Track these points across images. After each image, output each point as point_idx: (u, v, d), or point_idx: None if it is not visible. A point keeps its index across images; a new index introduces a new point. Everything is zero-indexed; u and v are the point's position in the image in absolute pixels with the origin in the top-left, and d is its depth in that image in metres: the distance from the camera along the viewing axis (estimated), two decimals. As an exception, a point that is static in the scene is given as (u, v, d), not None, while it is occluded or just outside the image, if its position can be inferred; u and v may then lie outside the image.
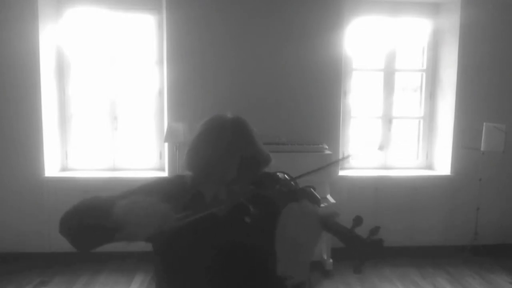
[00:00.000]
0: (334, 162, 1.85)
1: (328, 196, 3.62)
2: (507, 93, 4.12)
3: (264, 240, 1.03)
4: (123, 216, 0.98)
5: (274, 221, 1.02)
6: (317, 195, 1.08)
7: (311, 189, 1.08)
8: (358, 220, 0.96)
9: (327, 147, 3.77)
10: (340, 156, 4.13)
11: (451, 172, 4.12)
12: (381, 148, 1.08)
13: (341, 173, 4.09)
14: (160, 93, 4.05)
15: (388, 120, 4.32)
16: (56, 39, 3.93)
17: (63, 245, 3.82)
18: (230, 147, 1.16)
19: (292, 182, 1.10)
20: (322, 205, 1.06)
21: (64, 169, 4.09)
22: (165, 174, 4.00)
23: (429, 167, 4.38)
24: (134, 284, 3.48)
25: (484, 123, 3.82)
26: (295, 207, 1.00)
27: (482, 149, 3.83)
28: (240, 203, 1.09)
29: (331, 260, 3.67)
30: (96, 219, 1.04)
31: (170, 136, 3.67)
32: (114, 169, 4.11)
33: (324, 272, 3.65)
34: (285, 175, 1.15)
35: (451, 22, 4.08)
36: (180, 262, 1.20)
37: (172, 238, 1.15)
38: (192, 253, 1.18)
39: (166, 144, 3.94)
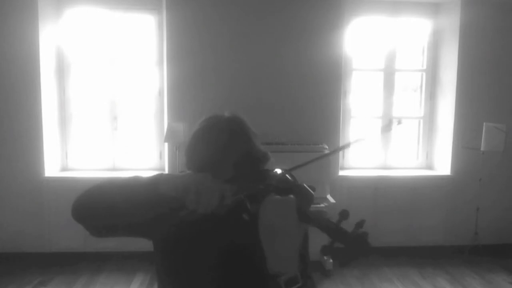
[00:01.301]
0: (331, 152, 1.80)
1: (328, 196, 3.62)
2: (507, 93, 4.12)
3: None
4: (181, 190, 0.96)
5: None
6: (311, 191, 1.07)
7: (305, 185, 1.08)
8: (344, 214, 0.95)
9: (327, 147, 3.77)
10: (340, 156, 4.14)
11: (451, 172, 4.12)
12: (384, 129, 1.05)
13: (341, 173, 4.09)
14: (160, 93, 4.05)
15: (388, 120, 4.32)
16: (56, 39, 3.93)
17: (63, 245, 3.83)
18: (225, 146, 1.16)
19: (290, 178, 1.10)
20: (313, 202, 1.06)
21: (64, 169, 4.09)
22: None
23: (429, 167, 4.38)
24: (134, 284, 3.48)
25: (484, 123, 3.82)
26: (271, 200, 1.00)
27: (482, 149, 3.83)
28: (238, 201, 1.09)
29: (331, 260, 3.67)
30: (123, 207, 1.02)
31: (170, 136, 3.67)
32: (114, 169, 4.11)
33: (324, 272, 3.65)
34: (283, 171, 1.15)
35: (451, 22, 4.08)
36: (181, 262, 1.21)
37: (172, 237, 1.15)
38: (193, 252, 1.19)
39: (166, 144, 3.94)
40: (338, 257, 0.93)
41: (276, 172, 1.14)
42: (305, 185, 1.07)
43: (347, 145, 1.19)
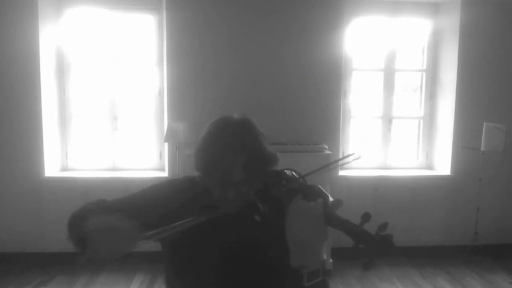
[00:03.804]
0: (341, 158, 1.83)
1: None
2: (507, 93, 4.12)
3: (274, 237, 1.05)
4: (90, 234, 0.96)
5: (283, 218, 1.03)
6: (326, 192, 1.09)
7: (320, 187, 1.09)
8: (366, 217, 0.97)
9: (327, 147, 3.77)
10: (340, 156, 4.14)
11: (451, 172, 4.12)
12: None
13: (341, 173, 4.09)
14: (160, 93, 4.05)
15: (388, 120, 4.32)
16: (56, 39, 3.93)
17: (63, 245, 3.81)
18: (231, 148, 1.17)
19: (300, 179, 1.11)
20: (329, 202, 1.07)
21: (64, 169, 4.09)
22: (165, 174, 4.00)
23: (429, 167, 4.38)
24: (134, 284, 3.48)
25: (484, 123, 3.82)
26: (301, 204, 1.01)
27: (482, 149, 3.83)
28: (249, 202, 1.10)
29: (331, 260, 3.67)
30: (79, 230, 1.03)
31: (170, 136, 3.67)
32: (114, 169, 4.10)
33: (324, 272, 3.64)
34: (293, 173, 1.16)
35: (451, 22, 4.08)
36: (191, 261, 1.22)
37: (182, 237, 1.16)
38: (203, 252, 1.20)
39: (166, 144, 3.94)
40: (362, 261, 0.94)
41: (286, 173, 1.15)
42: (320, 187, 1.09)
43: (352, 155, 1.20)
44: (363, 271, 0.97)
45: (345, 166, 4.25)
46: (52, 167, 3.93)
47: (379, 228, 0.96)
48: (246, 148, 1.18)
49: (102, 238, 0.93)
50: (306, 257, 0.99)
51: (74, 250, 1.13)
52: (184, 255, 1.23)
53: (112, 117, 4.09)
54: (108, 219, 0.98)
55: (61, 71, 4.01)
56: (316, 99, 3.95)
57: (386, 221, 0.96)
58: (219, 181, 1.17)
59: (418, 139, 4.42)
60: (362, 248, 0.95)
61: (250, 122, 1.25)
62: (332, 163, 1.22)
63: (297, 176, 1.13)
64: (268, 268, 1.15)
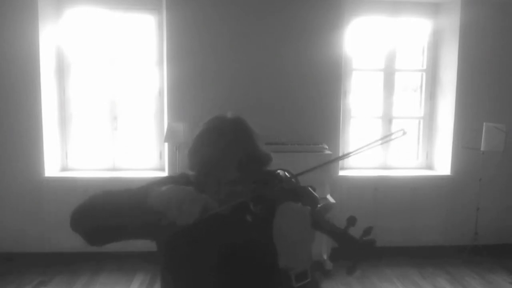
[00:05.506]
0: (335, 159, 1.83)
1: (328, 196, 3.62)
2: (507, 93, 4.12)
3: (266, 238, 1.05)
4: (164, 203, 1.02)
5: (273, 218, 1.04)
6: (316, 194, 1.09)
7: (310, 188, 1.09)
8: (351, 220, 0.97)
9: (327, 147, 3.77)
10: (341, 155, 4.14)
11: (451, 172, 4.12)
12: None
13: (341, 173, 4.10)
14: (160, 93, 4.05)
15: (388, 120, 4.32)
16: (56, 39, 3.93)
17: (63, 245, 3.83)
18: (228, 147, 1.17)
19: (293, 180, 1.11)
20: (319, 204, 1.07)
21: (64, 169, 4.09)
22: (165, 174, 4.00)
23: (429, 167, 4.38)
24: (134, 284, 3.48)
25: (484, 123, 3.82)
26: (288, 208, 1.02)
27: (482, 149, 3.83)
28: (241, 202, 1.10)
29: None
30: (117, 215, 1.08)
31: (170, 136, 3.67)
32: (114, 169, 4.11)
33: (324, 272, 3.65)
34: (286, 173, 1.16)
35: (451, 22, 4.08)
36: (184, 262, 1.22)
37: (175, 237, 1.17)
38: (195, 252, 1.20)
39: (166, 144, 3.94)
40: (345, 265, 0.94)
41: (279, 173, 1.15)
42: (310, 188, 1.09)
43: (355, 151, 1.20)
44: (347, 275, 0.96)
45: (345, 166, 4.25)
46: (52, 167, 3.94)
47: (364, 232, 0.96)
48: (240, 147, 1.18)
49: (183, 205, 1.00)
50: (292, 258, 1.00)
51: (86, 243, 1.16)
52: (178, 256, 1.23)
53: (112, 117, 4.09)
54: (170, 187, 1.05)
55: (61, 71, 4.01)
56: (316, 99, 3.95)
57: (371, 225, 0.97)
58: (213, 180, 1.18)
59: (418, 139, 4.42)
60: (344, 252, 0.96)
61: (243, 121, 1.25)
62: (326, 163, 1.22)
63: (289, 177, 1.13)
64: (261, 268, 1.15)
